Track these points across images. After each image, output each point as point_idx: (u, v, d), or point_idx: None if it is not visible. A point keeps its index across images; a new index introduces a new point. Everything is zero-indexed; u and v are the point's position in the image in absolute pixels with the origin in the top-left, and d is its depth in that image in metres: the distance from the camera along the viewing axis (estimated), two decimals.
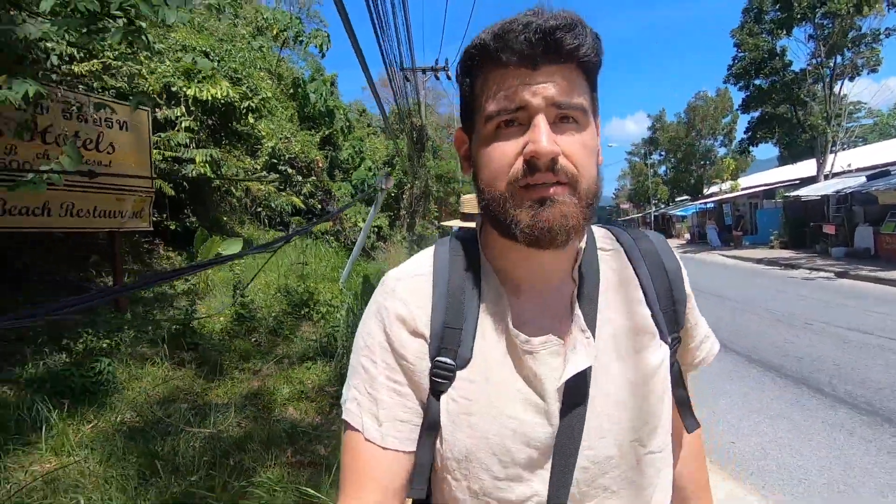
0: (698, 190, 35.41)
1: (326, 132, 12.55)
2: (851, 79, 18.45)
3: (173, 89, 6.75)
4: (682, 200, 37.71)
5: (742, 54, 20.14)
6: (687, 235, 32.87)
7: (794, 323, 7.35)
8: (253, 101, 7.34)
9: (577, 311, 0.65)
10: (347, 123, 14.10)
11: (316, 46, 12.00)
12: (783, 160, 28.44)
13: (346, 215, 12.07)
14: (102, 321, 4.17)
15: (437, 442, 0.65)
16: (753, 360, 5.66)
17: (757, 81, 20.69)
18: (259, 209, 9.89)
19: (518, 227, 0.59)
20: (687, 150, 35.56)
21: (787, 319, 7.61)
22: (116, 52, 5.76)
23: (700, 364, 0.80)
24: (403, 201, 15.87)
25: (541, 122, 0.57)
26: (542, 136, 0.56)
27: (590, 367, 0.63)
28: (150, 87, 6.42)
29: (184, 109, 6.86)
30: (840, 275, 12.30)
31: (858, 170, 17.83)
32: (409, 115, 15.66)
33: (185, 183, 6.93)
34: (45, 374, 3.28)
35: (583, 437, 0.62)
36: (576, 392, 0.63)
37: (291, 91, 12.90)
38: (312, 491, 2.37)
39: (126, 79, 6.23)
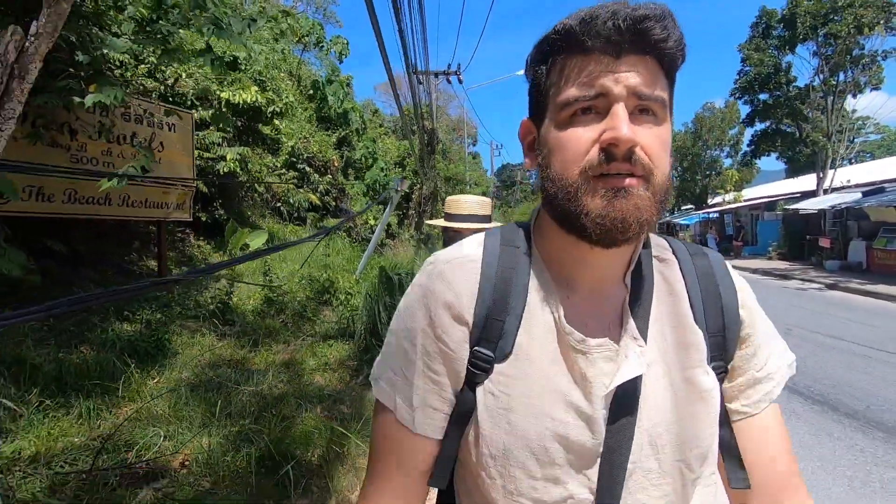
0: (703, 199, 35.80)
1: (343, 133, 13.18)
2: (854, 96, 18.86)
3: (209, 93, 7.39)
4: (686, 209, 38.12)
5: (748, 69, 20.61)
6: None
7: (777, 328, 7.88)
8: (278, 105, 7.98)
9: (630, 319, 0.63)
10: (363, 125, 14.73)
11: (335, 52, 12.66)
12: (790, 173, 28.86)
13: (358, 215, 12.70)
14: (153, 297, 4.81)
15: (470, 435, 0.64)
16: None
17: (762, 96, 21.13)
18: (279, 204, 10.53)
19: (589, 216, 0.57)
20: (693, 159, 35.96)
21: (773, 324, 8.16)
22: (159, 57, 6.42)
23: (750, 407, 0.69)
24: (413, 201, 16.50)
25: (620, 110, 0.56)
26: (623, 124, 0.55)
27: (640, 379, 0.61)
28: (191, 91, 7.06)
29: (214, 111, 7.50)
30: (830, 287, 12.81)
31: (857, 186, 18.27)
32: (421, 118, 16.28)
33: (215, 179, 7.57)
34: (115, 339, 3.92)
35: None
36: (625, 401, 0.61)
37: (311, 92, 13.55)
38: (342, 430, 2.98)
39: (168, 82, 6.88)
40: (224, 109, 7.57)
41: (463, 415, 0.64)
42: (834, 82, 18.03)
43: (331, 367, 4.35)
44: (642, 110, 0.57)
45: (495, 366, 0.62)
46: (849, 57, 16.92)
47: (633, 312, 0.64)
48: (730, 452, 0.68)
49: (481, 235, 0.70)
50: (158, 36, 4.06)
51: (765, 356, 0.70)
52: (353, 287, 6.30)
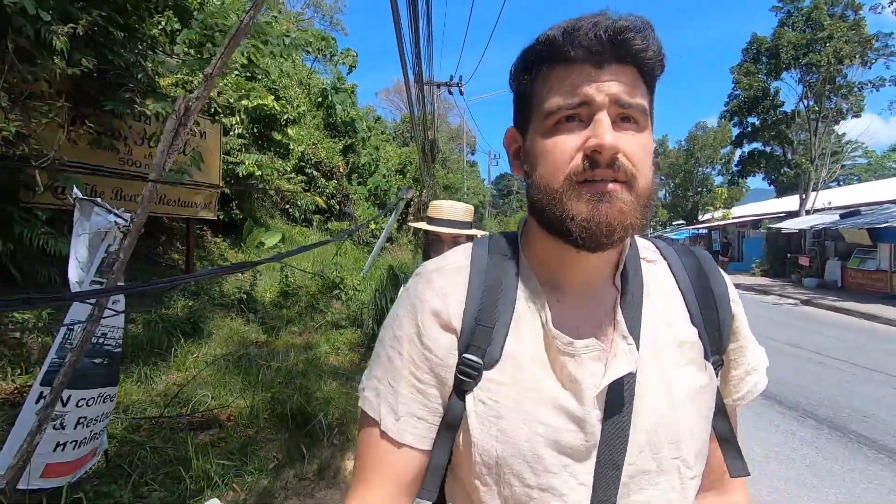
0: (694, 215, 36.70)
1: (349, 141, 13.84)
2: (836, 122, 19.77)
3: (231, 101, 8.03)
4: (678, 224, 39.03)
5: (737, 92, 21.49)
6: None
7: None
8: (291, 114, 8.63)
9: (620, 318, 0.64)
10: (368, 133, 15.41)
11: (345, 65, 13.36)
12: (778, 193, 29.82)
13: (360, 218, 13.33)
14: (184, 287, 5.42)
15: (461, 444, 0.64)
16: None
17: (751, 119, 22.01)
18: (287, 206, 11.15)
19: (574, 220, 0.58)
20: (685, 176, 36.90)
21: None
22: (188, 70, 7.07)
23: (740, 400, 0.74)
24: (412, 207, 17.17)
25: (603, 117, 0.57)
26: (606, 132, 0.56)
27: (632, 377, 0.61)
28: (216, 101, 7.70)
29: (237, 119, 8.15)
30: (805, 302, 13.56)
31: (836, 208, 19.10)
32: (423, 127, 16.99)
33: (233, 181, 8.20)
34: (158, 319, 4.53)
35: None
36: (617, 401, 0.61)
37: (319, 100, 14.21)
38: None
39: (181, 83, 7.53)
40: (244, 117, 8.22)
41: (452, 423, 0.64)
42: (817, 109, 18.91)
43: (342, 350, 4.99)
44: (624, 118, 0.58)
45: (484, 373, 0.62)
46: (830, 86, 17.79)
47: (624, 313, 0.64)
48: (728, 443, 0.70)
49: (469, 245, 0.71)
50: (206, 56, 4.71)
51: (751, 350, 0.73)
52: (360, 284, 6.94)
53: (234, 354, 4.33)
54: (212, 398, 3.54)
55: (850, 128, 47.93)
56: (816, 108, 19.00)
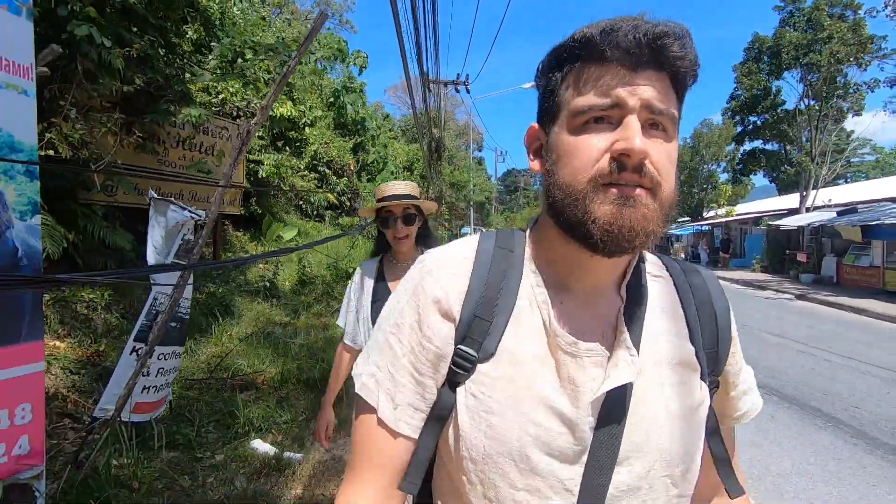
0: (699, 212, 36.98)
1: (359, 140, 14.47)
2: (837, 122, 20.06)
3: (251, 105, 8.66)
4: (683, 221, 39.33)
5: (739, 92, 21.83)
6: (682, 255, 34.57)
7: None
8: (308, 118, 9.25)
9: (623, 328, 0.63)
10: (377, 132, 16.03)
11: (356, 66, 13.97)
12: (780, 191, 30.11)
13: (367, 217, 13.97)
14: (215, 275, 6.07)
15: (450, 437, 0.63)
16: None
17: (752, 118, 22.33)
18: (300, 202, 11.80)
19: (596, 223, 0.57)
20: (690, 173, 37.15)
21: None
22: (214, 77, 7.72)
23: (740, 418, 0.76)
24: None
25: (633, 121, 0.56)
26: (636, 136, 0.55)
27: (630, 389, 0.61)
28: (237, 104, 8.33)
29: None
30: (799, 297, 14.01)
31: (835, 205, 19.45)
32: (428, 125, 17.57)
33: (253, 179, 8.84)
34: (195, 302, 5.18)
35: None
36: (613, 411, 0.60)
37: (331, 100, 14.84)
38: None
39: (219, 98, 8.16)
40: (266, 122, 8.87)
41: (441, 415, 0.63)
42: (817, 108, 19.22)
43: None
44: (653, 124, 0.57)
45: (478, 366, 0.61)
46: (828, 86, 18.11)
47: (627, 323, 0.63)
48: (723, 463, 0.70)
49: (475, 237, 0.71)
50: (237, 71, 5.33)
51: (746, 371, 0.75)
52: None
53: (262, 332, 4.96)
54: (247, 367, 4.17)
55: (858, 124, 47.98)
56: (817, 108, 19.33)
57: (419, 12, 7.21)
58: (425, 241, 2.03)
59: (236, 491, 2.65)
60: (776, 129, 21.31)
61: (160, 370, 2.77)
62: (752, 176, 25.72)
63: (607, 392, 0.59)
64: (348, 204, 13.39)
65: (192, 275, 2.87)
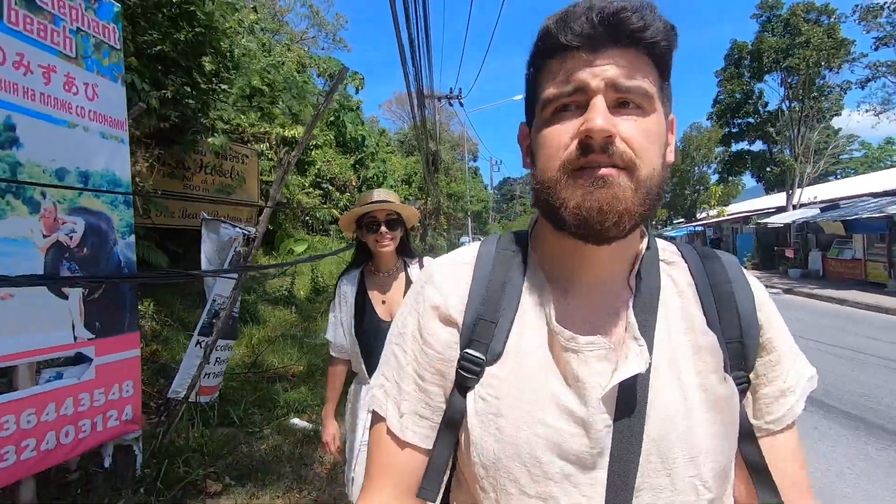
0: (692, 213, 37.68)
1: (359, 156, 15.15)
2: (818, 122, 20.81)
3: (262, 131, 9.33)
4: (678, 223, 40.02)
5: (723, 97, 22.62)
6: None
7: None
8: (316, 140, 9.92)
9: (632, 319, 0.60)
10: (375, 148, 16.72)
11: (353, 86, 14.70)
12: (767, 190, 30.87)
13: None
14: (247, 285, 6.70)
15: (462, 444, 0.62)
16: None
17: (737, 121, 23.11)
18: (307, 218, 12.43)
19: (567, 208, 0.56)
20: (682, 175, 37.90)
21: None
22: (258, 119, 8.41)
23: (773, 424, 0.65)
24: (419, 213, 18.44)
25: (598, 102, 0.54)
26: (597, 116, 0.53)
27: (644, 382, 0.57)
28: (250, 131, 9.01)
29: (268, 145, 9.44)
30: (787, 291, 14.62)
31: (821, 202, 20.14)
32: (426, 140, 18.28)
33: (264, 198, 9.49)
34: None
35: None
36: (628, 406, 0.57)
37: (331, 119, 15.54)
38: None
39: (233, 125, 8.83)
40: (273, 142, 9.53)
41: (452, 420, 0.62)
42: (798, 109, 19.99)
43: None
44: (623, 103, 0.56)
45: (486, 369, 0.60)
46: (806, 88, 18.88)
47: (637, 314, 0.61)
48: (759, 472, 0.63)
49: (478, 242, 0.71)
50: (255, 104, 5.99)
51: (787, 366, 0.66)
52: None
53: (286, 334, 5.57)
54: (278, 363, 4.78)
55: (849, 122, 48.81)
56: (798, 109, 20.09)
57: (413, 32, 7.90)
58: (406, 251, 2.04)
59: (284, 455, 3.25)
60: (760, 130, 22.06)
61: (217, 359, 3.37)
62: (739, 176, 26.40)
63: (621, 387, 0.57)
64: None
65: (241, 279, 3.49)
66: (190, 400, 3.24)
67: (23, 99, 2.20)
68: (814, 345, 7.32)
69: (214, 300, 3.28)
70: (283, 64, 10.93)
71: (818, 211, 17.86)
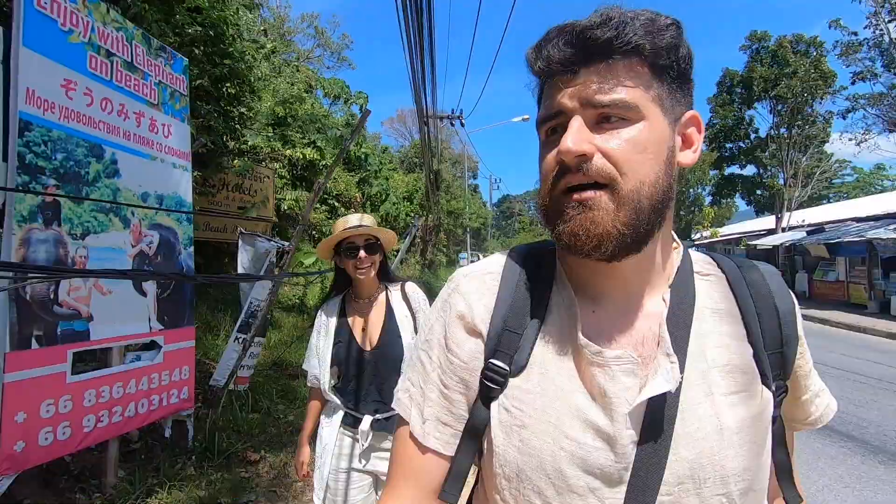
0: (687, 234, 38.40)
1: (363, 174, 15.83)
2: (805, 148, 21.61)
3: (276, 151, 10.00)
4: None
5: (715, 121, 23.48)
6: None
7: None
8: (327, 161, 10.59)
9: (665, 335, 0.59)
10: (379, 166, 17.43)
11: (357, 105, 15.47)
12: (758, 213, 31.66)
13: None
14: None
15: (486, 453, 0.62)
16: None
17: (728, 145, 23.94)
18: (314, 232, 13.06)
19: (555, 233, 0.58)
20: (678, 196, 38.63)
21: None
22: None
23: (814, 423, 0.72)
24: (418, 231, 19.10)
25: (573, 123, 0.55)
26: (567, 137, 0.54)
27: (675, 399, 0.57)
28: (265, 150, 9.68)
29: (281, 164, 10.10)
30: None
31: (809, 225, 20.85)
32: (429, 158, 19.01)
33: (276, 213, 10.11)
34: None
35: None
36: (655, 424, 0.56)
37: (337, 138, 16.27)
38: None
39: (250, 145, 9.50)
40: (285, 163, 10.20)
41: (476, 430, 0.62)
42: (786, 137, 20.80)
43: None
44: (606, 117, 0.56)
45: (510, 380, 0.61)
46: (793, 117, 19.72)
47: (669, 329, 0.59)
48: (785, 472, 0.66)
49: (506, 251, 0.71)
50: (277, 133, 6.64)
51: (815, 373, 0.71)
52: None
53: (301, 337, 6.14)
54: (296, 362, 5.34)
55: (837, 147, 49.90)
56: (787, 136, 20.90)
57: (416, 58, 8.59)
58: (387, 276, 2.01)
59: None
60: (751, 154, 22.88)
61: (252, 353, 3.94)
62: (729, 199, 27.17)
63: (649, 403, 0.56)
64: None
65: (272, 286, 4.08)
66: (230, 388, 3.81)
67: (122, 139, 2.83)
68: None
69: (251, 303, 3.86)
70: (293, 86, 11.66)
71: (805, 234, 18.54)
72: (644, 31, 0.55)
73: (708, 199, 38.41)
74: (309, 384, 1.96)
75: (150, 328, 3.00)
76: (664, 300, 0.63)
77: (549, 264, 0.67)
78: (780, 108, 20.68)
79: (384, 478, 1.84)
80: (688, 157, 0.62)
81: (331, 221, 13.83)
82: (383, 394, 1.85)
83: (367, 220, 1.96)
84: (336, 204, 14.12)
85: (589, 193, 0.55)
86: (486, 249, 49.81)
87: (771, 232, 22.52)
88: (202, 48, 5.78)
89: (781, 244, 18.95)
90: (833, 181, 40.71)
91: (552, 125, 0.59)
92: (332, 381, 1.91)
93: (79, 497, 2.71)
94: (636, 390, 0.57)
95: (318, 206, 13.55)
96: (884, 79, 15.83)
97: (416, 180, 23.48)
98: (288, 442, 3.70)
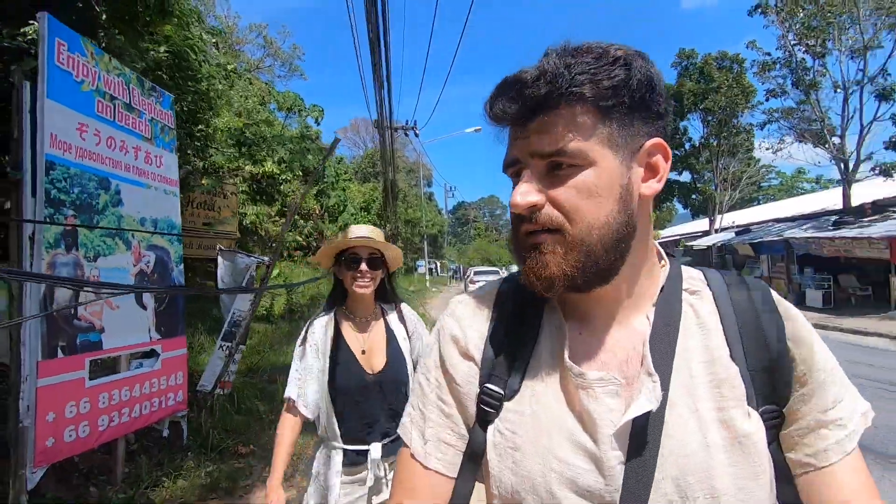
0: None
1: (321, 186, 16.11)
2: (733, 155, 23.55)
3: (235, 167, 10.21)
4: None
5: None
6: None
7: None
8: (287, 175, 10.89)
9: (647, 353, 0.59)
10: (335, 177, 17.74)
11: (313, 118, 15.78)
12: (693, 216, 33.99)
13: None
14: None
15: (484, 476, 0.64)
16: None
17: None
18: (273, 244, 13.24)
19: (520, 272, 0.62)
20: None
21: None
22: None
23: (815, 458, 0.60)
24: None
25: (525, 174, 0.59)
26: (516, 191, 0.58)
27: (659, 418, 0.56)
28: (223, 167, 9.88)
29: (241, 178, 10.31)
30: None
31: (738, 226, 22.72)
32: (386, 168, 19.46)
33: (238, 228, 10.31)
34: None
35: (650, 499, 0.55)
36: (640, 443, 0.56)
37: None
38: None
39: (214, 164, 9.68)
40: (248, 178, 10.42)
41: (475, 454, 0.64)
42: (716, 145, 22.63)
43: None
44: (556, 165, 0.57)
45: (505, 404, 0.62)
46: (721, 127, 21.55)
47: (654, 347, 0.60)
48: None
49: (501, 277, 0.73)
50: (245, 153, 6.97)
51: (831, 398, 0.61)
52: None
53: (271, 345, 6.49)
54: (270, 368, 5.71)
55: (764, 153, 54.06)
56: (716, 145, 22.74)
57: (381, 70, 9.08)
58: (386, 297, 1.87)
59: None
60: (685, 162, 24.69)
61: (235, 358, 4.32)
62: (668, 203, 29.14)
63: (634, 423, 0.56)
64: (315, 244, 14.92)
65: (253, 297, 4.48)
66: (216, 392, 4.18)
67: (124, 171, 3.21)
68: None
69: (234, 313, 4.25)
70: (247, 99, 11.85)
71: (734, 234, 20.25)
72: (585, 77, 0.55)
73: None
74: (298, 410, 1.75)
75: (150, 338, 3.37)
76: (648, 319, 0.63)
77: None
78: (709, 119, 22.52)
79: None
80: (651, 188, 0.61)
81: (289, 233, 14.08)
82: (391, 420, 1.71)
83: (375, 233, 1.83)
84: (295, 216, 14.38)
85: (540, 238, 0.58)
86: (444, 256, 50.53)
87: (706, 233, 24.35)
88: (167, 73, 6.08)
89: (714, 244, 20.61)
90: (761, 185, 44.14)
91: (512, 171, 0.62)
92: (335, 408, 1.70)
93: (92, 490, 3.04)
94: (621, 411, 0.57)
95: (276, 218, 13.78)
96: (793, 95, 17.65)
97: (372, 190, 23.85)
98: (271, 439, 4.10)
